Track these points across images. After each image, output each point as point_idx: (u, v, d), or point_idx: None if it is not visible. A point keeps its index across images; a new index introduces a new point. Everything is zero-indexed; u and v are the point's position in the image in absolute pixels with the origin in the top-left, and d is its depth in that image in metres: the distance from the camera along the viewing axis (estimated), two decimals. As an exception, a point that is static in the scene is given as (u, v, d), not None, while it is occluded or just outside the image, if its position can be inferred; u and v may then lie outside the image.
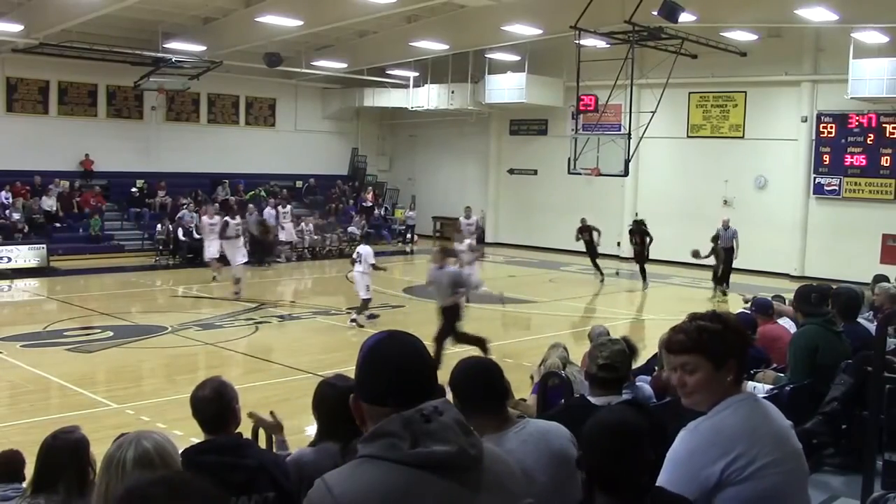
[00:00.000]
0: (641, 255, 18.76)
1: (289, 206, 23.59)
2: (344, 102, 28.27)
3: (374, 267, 13.54)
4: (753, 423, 2.40)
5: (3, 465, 4.23)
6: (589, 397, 3.52)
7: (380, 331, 1.90)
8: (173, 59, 21.94)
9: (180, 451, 2.91)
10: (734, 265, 18.04)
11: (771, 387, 5.04)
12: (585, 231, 20.02)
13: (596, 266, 19.93)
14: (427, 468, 1.68)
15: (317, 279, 21.34)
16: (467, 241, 16.31)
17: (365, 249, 13.67)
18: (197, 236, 20.74)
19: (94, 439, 3.33)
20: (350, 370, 1.88)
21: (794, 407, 4.32)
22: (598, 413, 2.32)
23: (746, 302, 9.16)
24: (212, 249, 17.66)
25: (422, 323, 14.60)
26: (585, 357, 6.17)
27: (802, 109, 20.95)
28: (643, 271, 18.71)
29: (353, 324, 13.13)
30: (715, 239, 17.76)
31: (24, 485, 3.74)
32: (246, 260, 16.61)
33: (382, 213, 28.35)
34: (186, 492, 1.46)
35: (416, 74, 25.98)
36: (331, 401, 3.43)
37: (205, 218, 18.40)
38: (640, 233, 18.80)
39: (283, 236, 22.75)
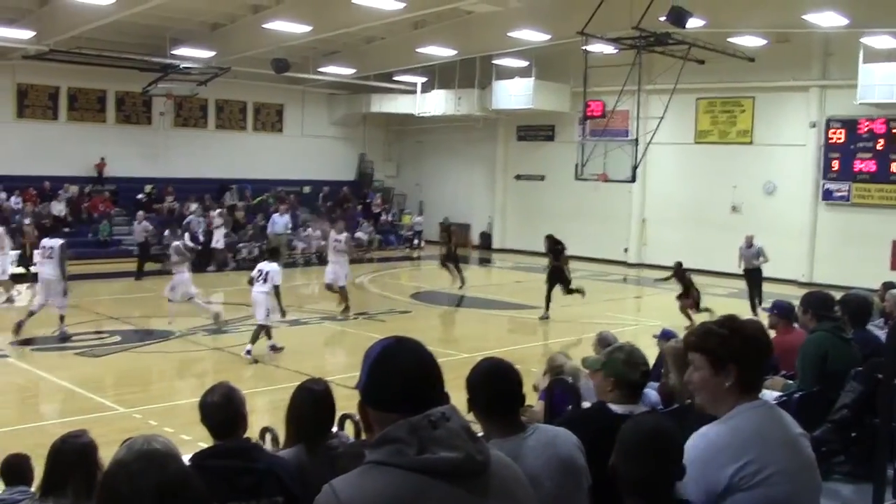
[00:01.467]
0: (560, 275, 15.36)
1: (217, 211, 22.29)
2: (351, 108, 28.34)
3: (276, 290, 11.28)
4: (765, 430, 2.38)
5: (11, 469, 4.24)
6: (610, 405, 3.41)
7: (386, 336, 1.88)
8: (181, 66, 22.06)
9: (189, 456, 2.91)
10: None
11: (780, 394, 5.01)
12: (445, 232, 19.43)
13: (446, 267, 18.77)
14: (434, 474, 1.67)
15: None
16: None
17: (271, 267, 11.47)
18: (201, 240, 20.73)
19: (102, 443, 3.35)
20: (356, 376, 1.86)
21: (803, 414, 4.28)
22: (636, 421, 2.26)
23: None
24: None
25: (428, 329, 14.71)
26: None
27: (811, 115, 20.90)
28: (549, 299, 15.32)
29: (248, 356, 11.20)
30: (679, 266, 14.99)
31: (33, 488, 3.75)
32: (64, 305, 12.60)
33: (390, 218, 28.39)
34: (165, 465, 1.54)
35: (424, 80, 26.04)
36: (307, 405, 3.46)
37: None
38: (553, 251, 15.47)
39: (213, 243, 21.35)
